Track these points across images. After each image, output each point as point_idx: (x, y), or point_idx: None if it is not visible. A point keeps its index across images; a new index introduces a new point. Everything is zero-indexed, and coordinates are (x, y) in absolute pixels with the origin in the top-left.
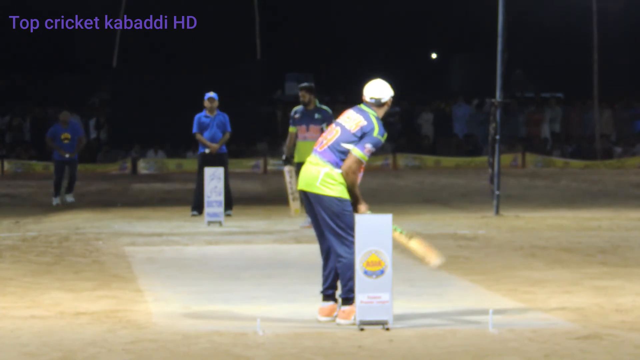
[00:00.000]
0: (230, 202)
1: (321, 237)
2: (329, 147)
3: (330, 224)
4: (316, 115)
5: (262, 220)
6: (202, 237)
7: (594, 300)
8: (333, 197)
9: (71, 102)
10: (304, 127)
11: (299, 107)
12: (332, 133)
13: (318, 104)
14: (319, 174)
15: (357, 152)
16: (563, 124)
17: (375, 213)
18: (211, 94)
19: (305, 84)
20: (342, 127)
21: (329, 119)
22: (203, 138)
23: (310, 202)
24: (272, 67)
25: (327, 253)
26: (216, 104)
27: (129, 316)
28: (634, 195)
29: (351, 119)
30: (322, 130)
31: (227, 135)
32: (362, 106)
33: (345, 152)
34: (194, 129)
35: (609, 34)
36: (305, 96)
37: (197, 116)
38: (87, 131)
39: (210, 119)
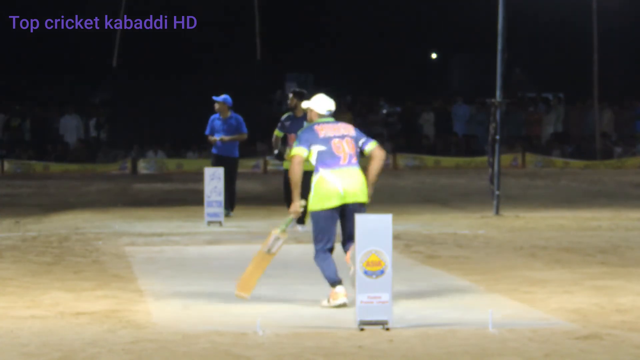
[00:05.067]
0: (233, 204)
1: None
2: (355, 154)
3: None
4: (305, 123)
5: (262, 220)
6: (202, 237)
7: (594, 300)
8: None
9: (71, 102)
10: (294, 135)
11: (289, 114)
12: (348, 145)
13: None
14: (363, 184)
15: (375, 142)
16: (563, 124)
17: (375, 213)
18: (219, 98)
19: (297, 89)
20: (349, 136)
21: None
22: (213, 138)
23: (344, 211)
24: (272, 67)
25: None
26: (225, 107)
27: (129, 316)
28: (634, 195)
29: (346, 128)
30: None
31: (243, 136)
32: (334, 120)
33: (357, 153)
34: (207, 131)
35: (609, 34)
36: (292, 100)
37: (211, 117)
38: (87, 131)
39: (222, 121)
